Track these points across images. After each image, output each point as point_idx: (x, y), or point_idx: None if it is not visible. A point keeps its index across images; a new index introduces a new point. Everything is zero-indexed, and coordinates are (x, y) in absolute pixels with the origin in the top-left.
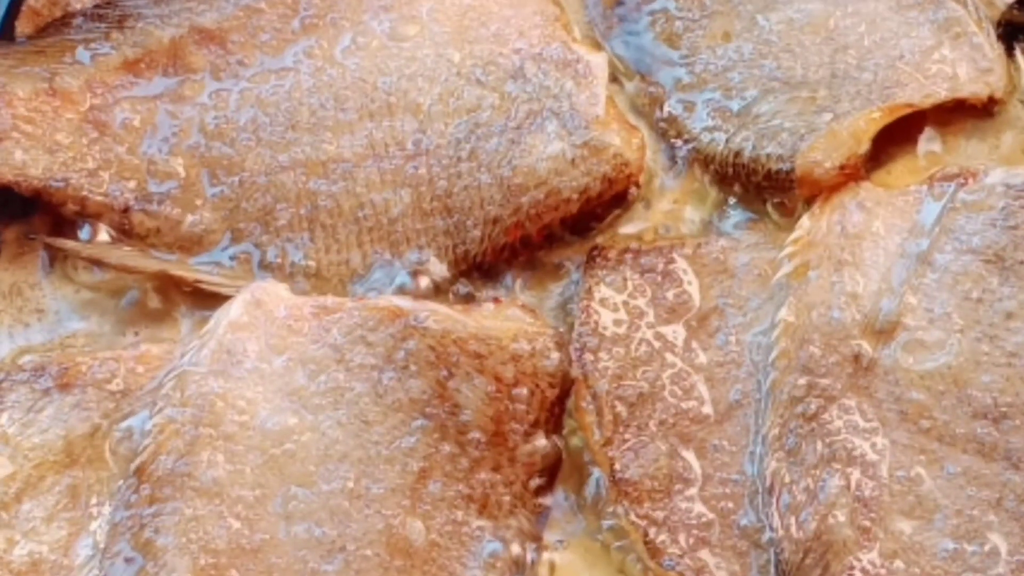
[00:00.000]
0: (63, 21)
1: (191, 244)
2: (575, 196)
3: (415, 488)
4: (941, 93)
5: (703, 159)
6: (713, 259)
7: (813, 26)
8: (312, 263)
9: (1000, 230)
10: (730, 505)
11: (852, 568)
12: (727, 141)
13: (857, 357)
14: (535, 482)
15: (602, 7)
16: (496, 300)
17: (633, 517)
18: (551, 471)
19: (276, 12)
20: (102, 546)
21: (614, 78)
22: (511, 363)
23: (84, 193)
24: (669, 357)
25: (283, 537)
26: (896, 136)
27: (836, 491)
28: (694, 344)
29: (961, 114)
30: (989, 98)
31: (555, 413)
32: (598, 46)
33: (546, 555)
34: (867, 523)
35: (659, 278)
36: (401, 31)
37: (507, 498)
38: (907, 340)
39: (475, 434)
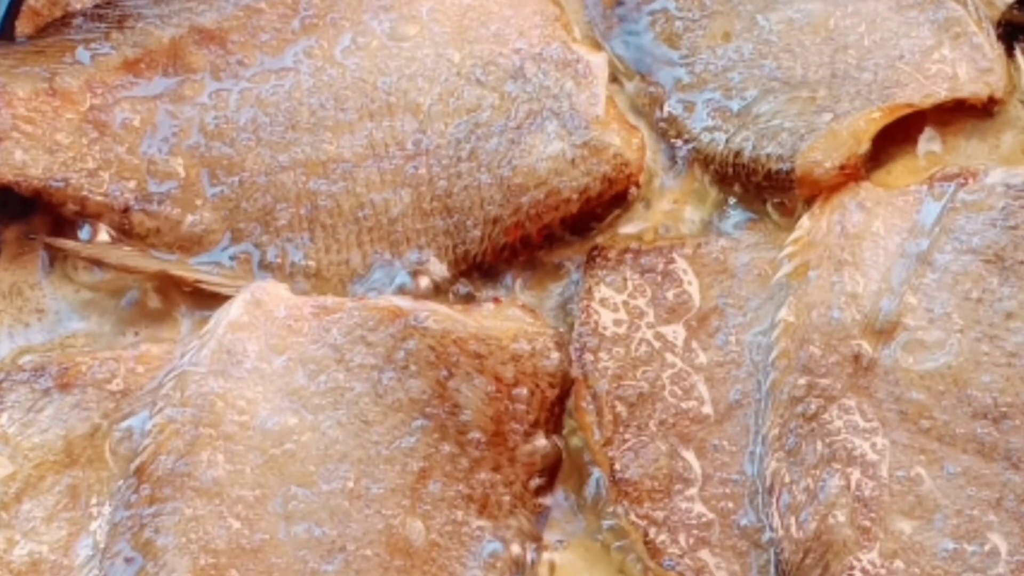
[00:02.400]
0: (63, 21)
1: (191, 244)
2: (575, 196)
3: (415, 488)
4: (941, 93)
5: (703, 159)
6: (713, 259)
7: (813, 26)
8: (312, 263)
9: (1000, 230)
10: (730, 505)
11: (852, 568)
12: (727, 141)
13: (857, 357)
14: (535, 482)
15: (602, 7)
16: (496, 300)
17: (633, 517)
18: (551, 471)
19: (276, 12)
20: (102, 546)
21: (614, 78)
22: (511, 363)
23: (84, 193)
24: (669, 357)
25: (283, 537)
26: (896, 136)
27: (836, 491)
28: (694, 344)
29: (961, 114)
30: (989, 98)
31: (555, 413)
32: (598, 46)
33: (546, 555)
34: (867, 523)
35: (659, 278)
36: (401, 31)
37: (507, 498)
38: (907, 340)
39: (475, 434)
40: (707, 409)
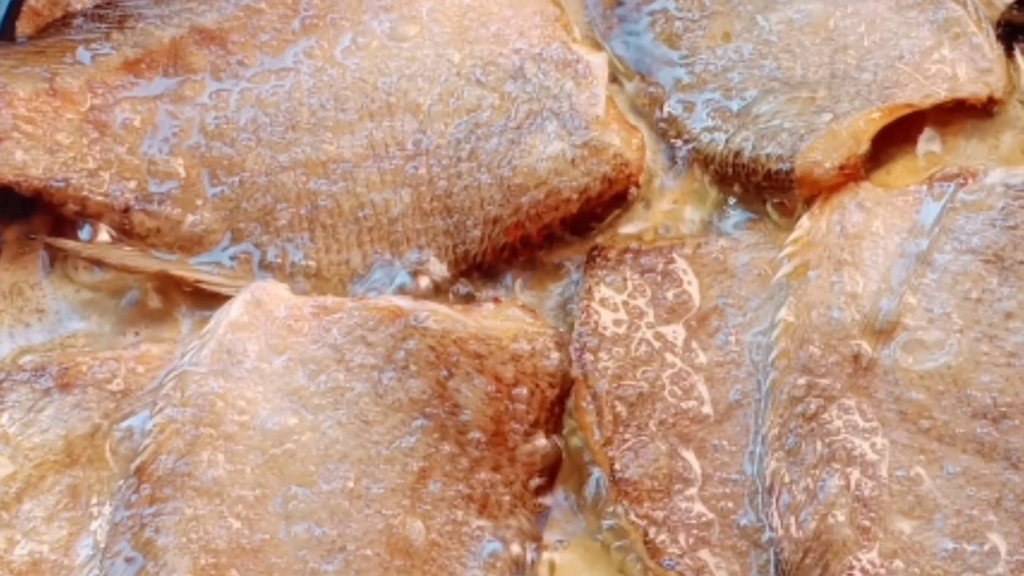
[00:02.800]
0: (63, 21)
1: (191, 244)
2: (575, 196)
3: (415, 488)
4: (941, 93)
5: (703, 159)
6: (713, 259)
7: (813, 26)
8: (312, 263)
9: (1000, 230)
10: (730, 505)
11: (852, 568)
12: (727, 141)
13: (857, 357)
14: (535, 482)
15: (602, 7)
16: (496, 300)
17: (633, 517)
18: (551, 471)
19: (276, 12)
20: (102, 546)
21: (614, 78)
22: (511, 363)
23: (84, 193)
24: (669, 357)
25: (283, 537)
26: (896, 136)
27: (836, 491)
28: (694, 344)
29: (961, 114)
30: (989, 98)
31: (555, 413)
32: (598, 46)
33: (546, 555)
34: (867, 523)
35: (659, 278)
36: (401, 31)
37: (507, 498)
38: (907, 340)
39: (475, 434)
40: (707, 409)
